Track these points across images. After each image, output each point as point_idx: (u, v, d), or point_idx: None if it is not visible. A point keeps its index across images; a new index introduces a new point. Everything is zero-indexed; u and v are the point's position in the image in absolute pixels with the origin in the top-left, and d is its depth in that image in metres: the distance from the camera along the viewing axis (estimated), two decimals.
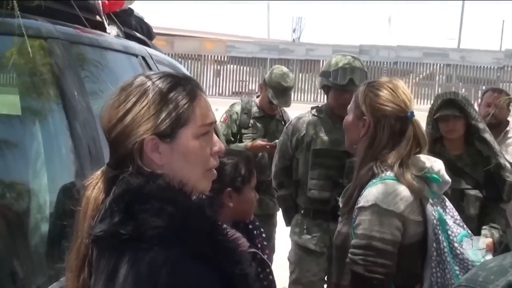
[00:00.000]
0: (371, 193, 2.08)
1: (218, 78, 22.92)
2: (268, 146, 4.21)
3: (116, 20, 2.71)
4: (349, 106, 2.30)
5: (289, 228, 3.71)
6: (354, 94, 2.29)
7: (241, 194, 2.13)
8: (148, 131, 1.30)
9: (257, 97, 4.58)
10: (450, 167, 2.96)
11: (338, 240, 2.29)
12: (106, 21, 2.58)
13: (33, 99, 1.98)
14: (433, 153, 3.04)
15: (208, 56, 23.00)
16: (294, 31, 32.87)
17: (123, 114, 1.32)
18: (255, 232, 2.14)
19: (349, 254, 2.10)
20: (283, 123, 4.49)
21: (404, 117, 2.15)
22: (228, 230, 1.32)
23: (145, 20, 3.33)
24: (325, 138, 3.48)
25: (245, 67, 23.70)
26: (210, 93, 20.57)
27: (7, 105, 2.20)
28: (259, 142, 4.27)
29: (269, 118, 4.50)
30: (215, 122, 1.45)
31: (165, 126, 1.31)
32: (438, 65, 22.36)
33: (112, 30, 2.61)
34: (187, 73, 3.57)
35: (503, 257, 1.27)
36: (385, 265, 2.03)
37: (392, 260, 2.04)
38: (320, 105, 3.74)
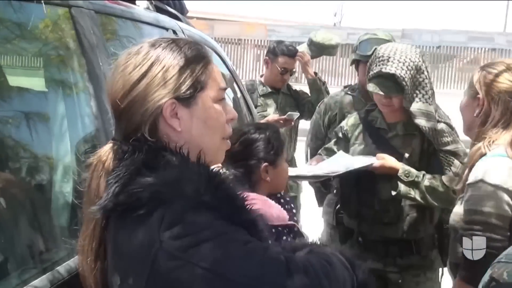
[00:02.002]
0: (478, 168, 2.08)
1: (258, 63, 22.80)
2: (281, 121, 4.04)
3: None
4: (464, 90, 2.30)
5: (321, 209, 3.66)
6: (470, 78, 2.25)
7: (276, 167, 2.12)
8: (168, 95, 1.21)
9: (261, 76, 4.51)
10: (375, 138, 2.83)
11: (452, 220, 2.27)
12: None
13: (57, 70, 1.93)
14: (362, 118, 2.90)
15: (248, 40, 22.86)
16: (335, 15, 32.60)
17: (137, 79, 1.22)
18: (286, 206, 2.11)
19: (459, 230, 2.11)
20: (292, 97, 4.42)
21: None
22: (230, 183, 1.23)
23: None
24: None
25: None
26: (250, 78, 20.51)
27: (31, 78, 2.16)
28: (271, 117, 4.13)
29: (276, 94, 4.39)
30: (227, 87, 1.38)
31: (185, 89, 1.23)
32: (483, 49, 21.76)
33: (141, 3, 2.57)
34: (224, 54, 3.53)
35: None
36: (495, 239, 2.00)
37: (502, 235, 2.01)
38: (353, 84, 3.72)
